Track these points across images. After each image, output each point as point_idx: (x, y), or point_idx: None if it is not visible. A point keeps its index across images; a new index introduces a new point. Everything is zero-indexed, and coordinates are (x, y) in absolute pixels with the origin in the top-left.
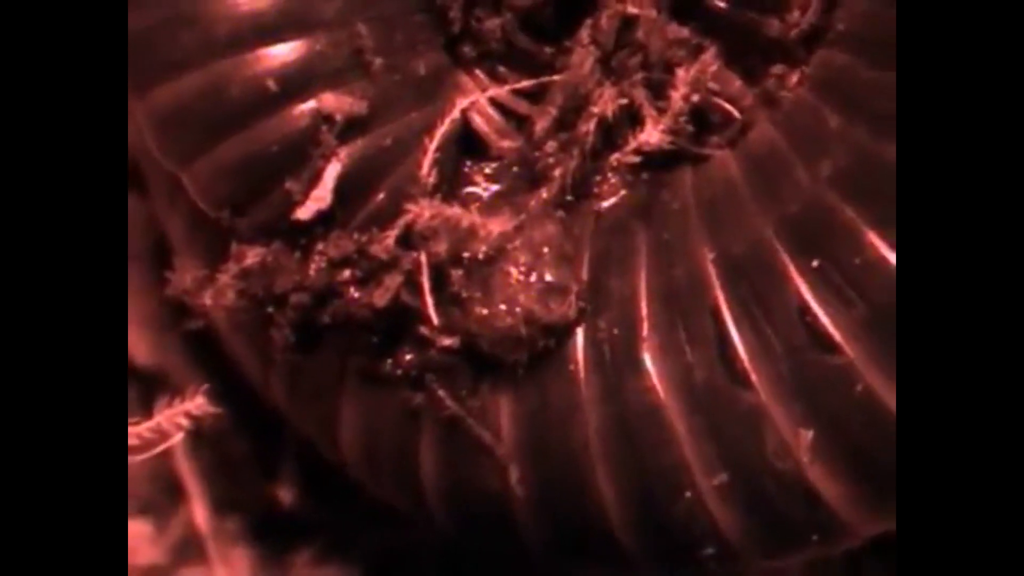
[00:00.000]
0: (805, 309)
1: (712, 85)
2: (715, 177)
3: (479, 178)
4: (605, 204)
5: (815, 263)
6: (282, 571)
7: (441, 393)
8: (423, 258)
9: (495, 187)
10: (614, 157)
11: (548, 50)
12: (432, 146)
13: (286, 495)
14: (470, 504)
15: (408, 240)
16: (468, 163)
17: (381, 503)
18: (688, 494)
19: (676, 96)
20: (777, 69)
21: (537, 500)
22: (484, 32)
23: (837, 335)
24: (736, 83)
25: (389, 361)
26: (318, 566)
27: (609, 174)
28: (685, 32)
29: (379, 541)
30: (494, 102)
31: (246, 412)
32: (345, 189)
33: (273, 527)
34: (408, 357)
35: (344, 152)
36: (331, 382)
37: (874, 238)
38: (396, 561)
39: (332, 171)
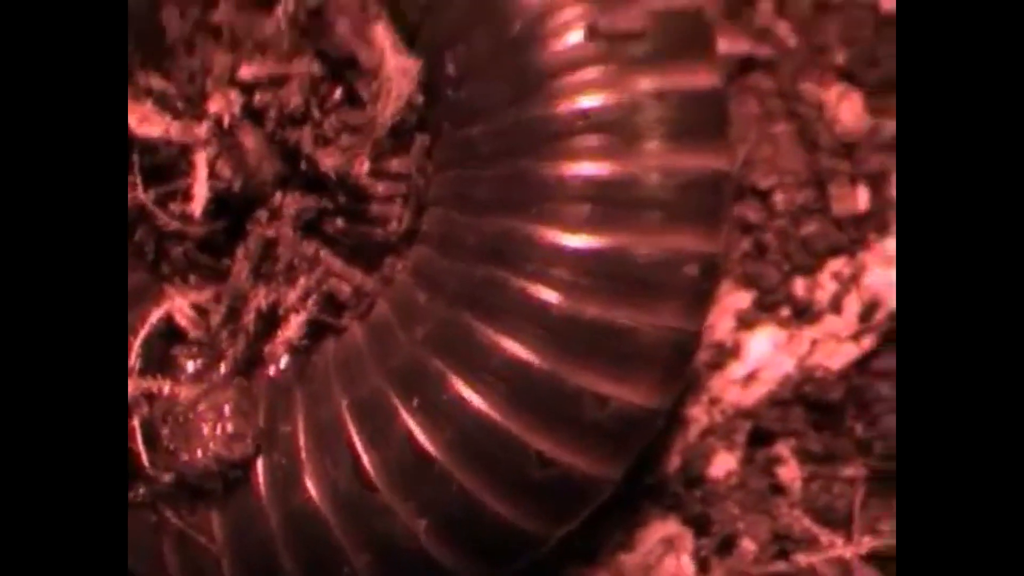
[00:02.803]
0: (409, 434)
1: (337, 277)
2: (348, 343)
3: (184, 358)
4: (273, 369)
5: (415, 401)
6: None
7: (168, 514)
8: (135, 421)
9: (196, 363)
10: (273, 342)
11: (223, 261)
12: (137, 341)
13: None
14: None
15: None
16: (178, 347)
17: None
18: (346, 569)
19: (304, 287)
20: (388, 260)
21: None
22: (173, 256)
23: (433, 451)
24: (358, 275)
25: (132, 493)
26: None
27: (278, 346)
28: (312, 247)
29: None
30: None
31: None
32: None
33: None
34: (142, 490)
35: None
36: None
37: (455, 380)
38: None
39: None
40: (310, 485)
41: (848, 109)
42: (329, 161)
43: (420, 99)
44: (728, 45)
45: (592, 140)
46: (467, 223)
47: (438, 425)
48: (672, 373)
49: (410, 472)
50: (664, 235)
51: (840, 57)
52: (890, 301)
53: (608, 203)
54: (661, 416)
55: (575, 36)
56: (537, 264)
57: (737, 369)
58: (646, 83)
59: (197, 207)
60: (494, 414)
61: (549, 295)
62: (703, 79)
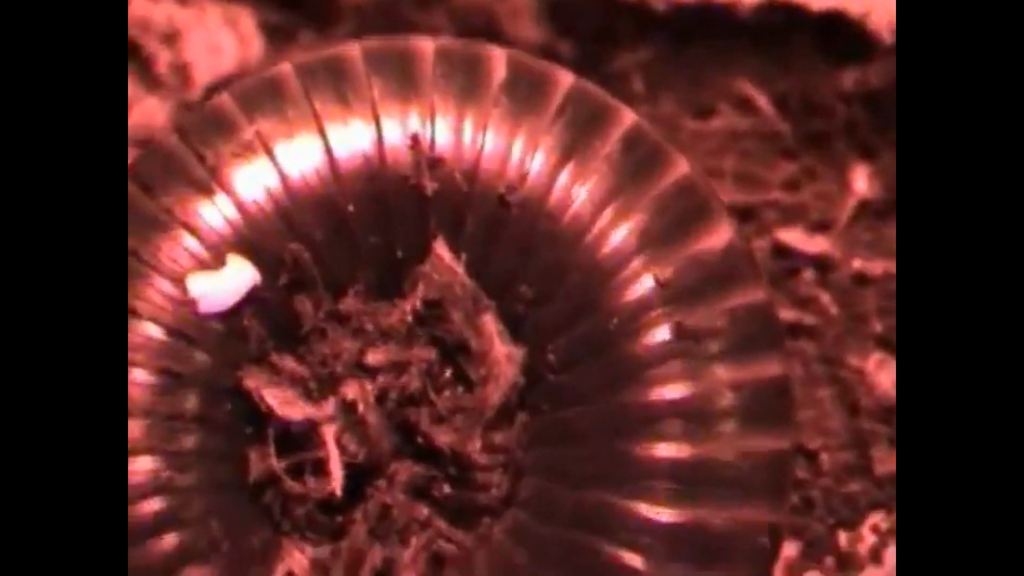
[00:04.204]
0: None
1: (443, 538)
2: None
3: None
4: None
5: None
6: None
7: None
8: None
9: None
10: None
11: (337, 519)
12: None
13: None
14: None
15: None
16: None
17: None
18: None
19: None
20: (486, 520)
21: None
22: (295, 516)
23: None
24: (460, 535)
25: None
26: None
27: None
28: (422, 510)
29: None
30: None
31: None
32: None
33: None
34: None
35: None
36: None
37: None
38: None
39: None
40: None
41: (886, 376)
42: (444, 439)
43: (523, 381)
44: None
45: (676, 426)
46: (563, 494)
47: None
48: None
49: None
50: (738, 510)
51: (878, 326)
52: None
53: (689, 482)
54: None
55: (663, 333)
56: (627, 534)
57: None
58: (723, 374)
59: (337, 484)
60: None
61: (637, 562)
62: (772, 369)
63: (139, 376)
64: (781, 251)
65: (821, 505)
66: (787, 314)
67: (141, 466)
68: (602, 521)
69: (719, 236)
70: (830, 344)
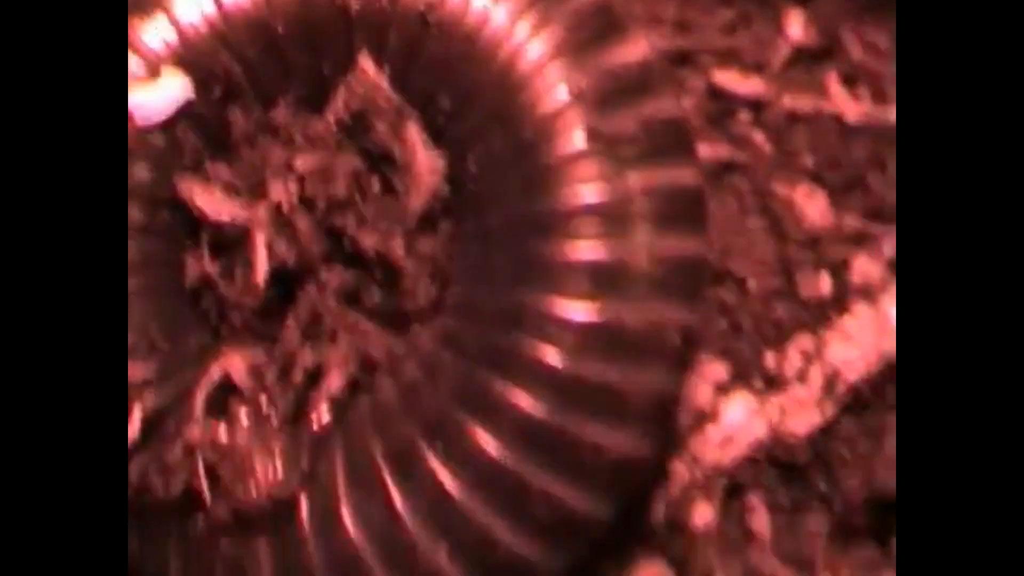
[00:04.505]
0: (434, 476)
1: (373, 342)
2: (381, 399)
3: (240, 410)
4: (316, 421)
5: (440, 447)
6: None
7: (224, 545)
8: (199, 462)
9: (250, 415)
10: (317, 396)
11: (275, 329)
12: (201, 394)
13: None
14: None
15: (188, 450)
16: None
17: None
18: None
19: (345, 349)
20: (416, 328)
21: None
22: (233, 323)
23: (454, 490)
24: (390, 340)
25: (190, 524)
26: None
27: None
28: (353, 316)
29: None
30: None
31: None
32: (150, 422)
33: None
34: (200, 523)
35: (147, 399)
36: (157, 543)
37: (474, 429)
38: None
39: (137, 413)
40: (347, 521)
41: (814, 206)
42: (369, 241)
43: (445, 190)
44: (710, 150)
45: (591, 227)
46: (486, 296)
47: (460, 468)
48: (657, 427)
49: (434, 508)
50: (651, 309)
51: (808, 161)
52: (848, 373)
53: (604, 282)
54: (648, 464)
55: (577, 139)
56: (544, 330)
57: (715, 432)
58: (636, 179)
59: (260, 278)
60: (506, 459)
61: (554, 357)
62: (686, 177)
63: None
64: (717, 93)
65: (749, 328)
66: (722, 151)
67: None
68: (521, 319)
69: (634, 50)
70: (761, 178)
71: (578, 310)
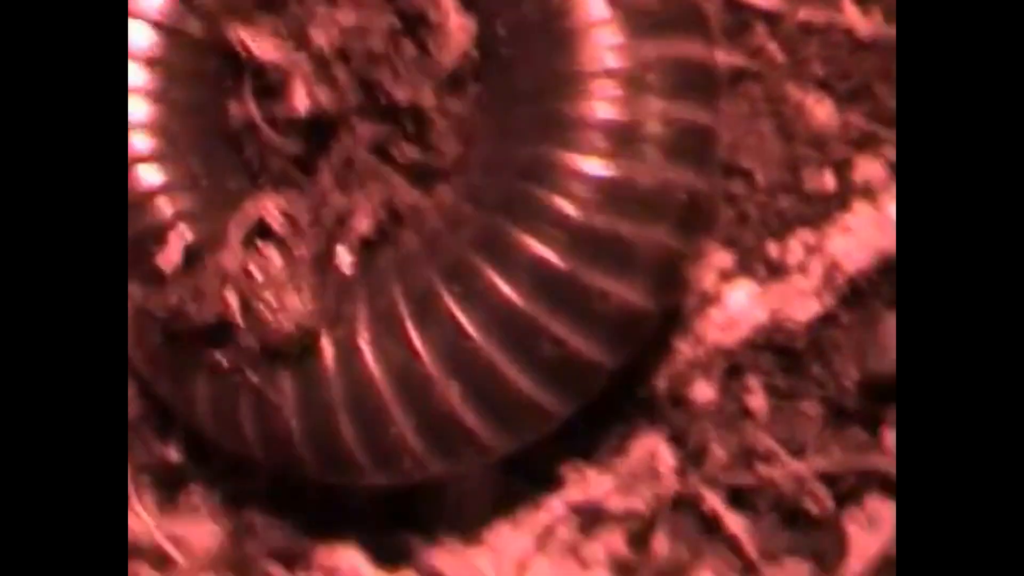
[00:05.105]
0: (452, 316)
1: (400, 194)
2: (405, 247)
3: (273, 250)
4: (344, 264)
5: (457, 290)
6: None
7: (249, 374)
8: (231, 293)
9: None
10: (345, 237)
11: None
12: (239, 230)
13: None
14: (273, 445)
15: (223, 279)
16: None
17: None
18: (393, 429)
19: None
20: (442, 186)
21: (308, 439)
22: (271, 169)
23: (470, 329)
24: (417, 195)
25: (218, 354)
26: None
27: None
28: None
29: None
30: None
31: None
32: (188, 252)
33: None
34: (230, 353)
35: (186, 230)
36: (187, 374)
37: (490, 273)
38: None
39: (178, 241)
40: (368, 358)
41: (822, 110)
42: (401, 94)
43: (475, 53)
44: (726, 58)
45: (608, 89)
46: (507, 151)
47: (475, 309)
48: (663, 281)
49: (450, 347)
50: (663, 170)
51: (819, 70)
52: (847, 266)
53: (620, 140)
54: (651, 318)
55: (600, 5)
56: (561, 182)
57: (718, 315)
58: (651, 48)
59: (299, 110)
60: (518, 300)
61: (568, 207)
62: (697, 51)
63: (140, 30)
64: (734, 5)
65: (755, 219)
66: (737, 59)
67: (138, 108)
68: (539, 172)
69: None
70: (774, 85)
71: (593, 165)
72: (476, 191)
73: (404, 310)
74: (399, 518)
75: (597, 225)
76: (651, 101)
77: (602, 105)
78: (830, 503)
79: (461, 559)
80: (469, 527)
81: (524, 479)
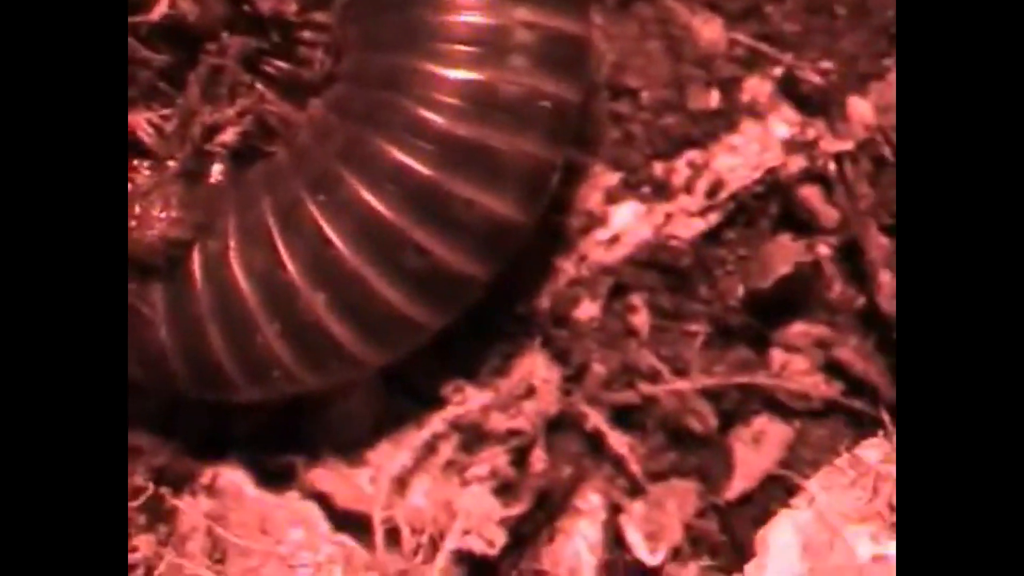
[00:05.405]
0: (317, 226)
1: (269, 107)
2: (274, 161)
3: (142, 162)
4: (212, 176)
5: (323, 199)
6: None
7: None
8: None
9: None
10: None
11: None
12: None
13: None
14: (147, 360)
15: None
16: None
17: None
18: (259, 337)
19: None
20: (312, 100)
21: (179, 353)
22: (139, 82)
23: (335, 239)
24: (286, 107)
25: None
26: None
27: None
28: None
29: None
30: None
31: None
32: None
33: None
34: None
35: None
36: None
37: (355, 183)
38: None
39: None
40: (235, 268)
41: (710, 30)
42: (264, 4)
43: None
44: None
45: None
46: (373, 62)
47: (340, 219)
48: (529, 191)
49: (315, 258)
50: (527, 76)
51: None
52: (733, 184)
53: (484, 46)
54: (520, 229)
55: None
56: (425, 91)
57: (603, 233)
58: None
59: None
60: (383, 210)
61: (433, 116)
62: None
63: None
64: None
65: (640, 138)
66: None
67: None
68: (404, 82)
69: None
70: (663, 6)
71: (457, 74)
72: (343, 102)
73: (271, 221)
74: (283, 440)
75: (461, 133)
76: (517, 9)
77: (466, 13)
78: (714, 421)
79: (344, 478)
80: (352, 447)
81: (406, 398)
